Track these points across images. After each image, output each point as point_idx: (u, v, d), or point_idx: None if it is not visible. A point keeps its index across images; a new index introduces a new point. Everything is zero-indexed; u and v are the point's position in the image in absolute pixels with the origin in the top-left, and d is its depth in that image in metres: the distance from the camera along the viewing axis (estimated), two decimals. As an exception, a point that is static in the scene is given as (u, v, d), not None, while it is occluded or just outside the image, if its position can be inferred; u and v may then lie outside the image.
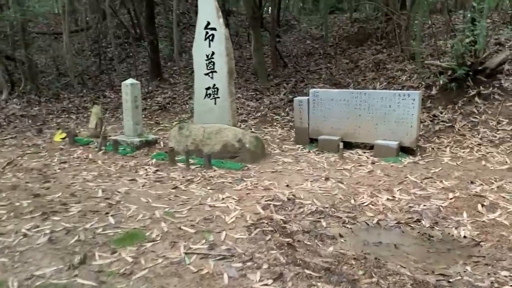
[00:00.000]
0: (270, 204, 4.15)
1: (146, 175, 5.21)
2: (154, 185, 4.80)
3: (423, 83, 7.86)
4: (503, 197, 4.22)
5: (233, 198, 4.31)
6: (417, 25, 9.20)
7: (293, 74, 10.70)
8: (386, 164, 5.40)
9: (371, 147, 6.00)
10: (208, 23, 5.71)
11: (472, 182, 4.66)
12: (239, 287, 2.76)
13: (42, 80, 12.68)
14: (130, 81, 6.62)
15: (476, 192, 4.38)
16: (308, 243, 3.45)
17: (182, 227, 3.62)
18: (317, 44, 12.66)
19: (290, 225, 3.74)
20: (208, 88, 5.89)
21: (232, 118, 5.87)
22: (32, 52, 12.14)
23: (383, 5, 11.04)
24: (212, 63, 5.79)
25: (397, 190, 4.50)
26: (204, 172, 5.24)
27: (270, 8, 15.35)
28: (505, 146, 5.77)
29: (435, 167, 5.21)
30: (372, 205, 4.19)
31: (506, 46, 8.12)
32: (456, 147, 5.92)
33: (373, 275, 2.89)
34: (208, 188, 4.66)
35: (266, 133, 7.45)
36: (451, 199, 4.25)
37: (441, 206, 4.11)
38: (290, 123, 7.95)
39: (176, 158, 5.71)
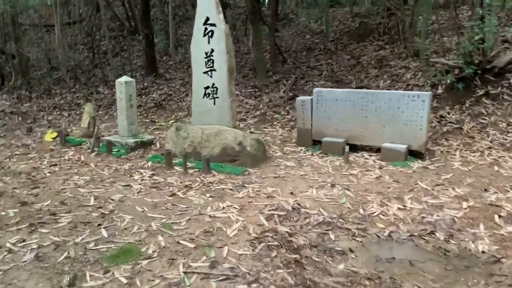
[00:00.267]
0: (274, 214, 3.89)
1: (142, 180, 4.93)
2: (150, 192, 4.51)
3: (429, 81, 7.60)
4: (521, 208, 3.99)
5: (234, 207, 4.04)
6: (421, 20, 8.93)
7: (292, 70, 10.41)
8: (394, 169, 5.15)
9: (378, 150, 5.74)
10: (208, 19, 5.39)
11: (486, 190, 4.42)
12: (245, 315, 2.50)
13: (33, 74, 12.33)
14: (124, 78, 6.30)
15: (491, 201, 4.15)
16: (317, 259, 3.20)
17: (180, 241, 3.35)
18: (317, 39, 12.35)
19: (296, 238, 3.48)
20: (207, 88, 5.59)
21: (232, 120, 5.59)
22: (23, 46, 11.76)
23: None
24: (211, 61, 5.48)
25: (408, 199, 4.25)
26: (203, 177, 4.96)
27: (268, 1, 15.04)
28: (517, 150, 5.54)
29: (446, 172, 4.97)
30: (383, 215, 3.94)
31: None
32: (465, 151, 5.67)
33: (391, 299, 2.65)
34: (208, 195, 4.38)
35: (267, 134, 7.17)
36: (465, 208, 4.01)
37: (455, 216, 3.87)
38: (291, 123, 7.68)
39: (173, 161, 5.43)
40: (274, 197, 4.31)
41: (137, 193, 4.48)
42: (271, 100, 8.98)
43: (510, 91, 6.61)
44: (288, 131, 7.30)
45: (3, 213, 3.90)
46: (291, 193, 4.42)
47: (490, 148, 5.66)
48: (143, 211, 3.96)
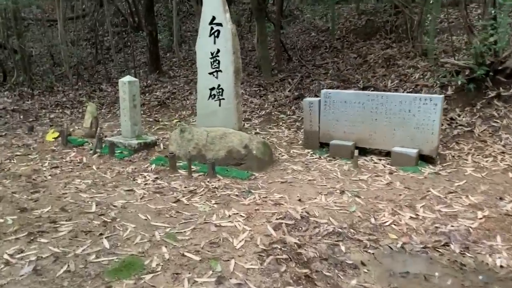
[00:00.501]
0: (282, 223, 3.74)
1: (145, 184, 4.78)
2: (153, 198, 4.37)
3: (438, 82, 7.42)
4: (539, 218, 3.83)
5: (241, 215, 3.90)
6: (430, 19, 8.73)
7: (298, 69, 10.23)
8: (405, 175, 4.99)
9: (387, 154, 5.58)
10: (214, 18, 5.23)
11: (501, 199, 4.27)
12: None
13: (36, 70, 12.17)
14: (127, 78, 6.14)
15: (507, 210, 3.99)
16: (328, 273, 3.06)
17: (185, 253, 3.21)
18: (323, 37, 12.15)
19: (305, 250, 3.34)
20: (212, 89, 5.44)
21: (238, 122, 5.43)
22: (25, 41, 11.60)
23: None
24: (217, 62, 5.32)
25: (420, 207, 4.10)
26: (208, 181, 4.81)
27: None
28: (531, 156, 5.37)
29: (459, 179, 4.80)
30: (395, 224, 3.80)
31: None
32: (478, 155, 5.50)
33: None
34: (213, 202, 4.23)
35: (272, 135, 7.01)
36: (480, 218, 3.86)
37: (471, 227, 3.72)
38: (297, 123, 7.52)
39: (177, 164, 5.28)
40: (282, 204, 4.16)
41: (140, 198, 4.33)
42: (276, 99, 8.82)
43: (523, 93, 6.43)
44: (294, 132, 7.14)
45: (1, 220, 3.76)
46: (299, 200, 4.27)
47: (503, 153, 5.49)
48: (146, 219, 3.82)
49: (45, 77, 11.50)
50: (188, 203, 4.22)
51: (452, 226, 3.74)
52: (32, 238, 3.43)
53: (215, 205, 4.15)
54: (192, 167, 5.09)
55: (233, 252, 3.26)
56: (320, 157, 5.79)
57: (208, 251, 3.26)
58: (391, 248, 3.45)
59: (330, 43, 11.38)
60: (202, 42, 5.43)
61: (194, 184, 4.76)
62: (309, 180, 4.87)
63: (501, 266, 3.17)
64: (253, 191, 4.51)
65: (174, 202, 4.23)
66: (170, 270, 3.00)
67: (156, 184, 4.78)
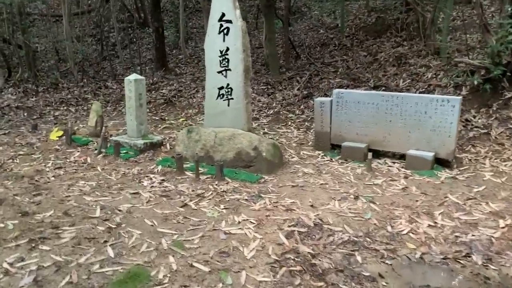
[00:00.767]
0: (295, 230, 3.57)
1: (151, 186, 4.62)
2: (160, 202, 4.20)
3: (452, 82, 7.20)
4: None
5: (251, 222, 3.72)
6: (443, 16, 8.49)
7: (306, 67, 10.03)
8: (421, 179, 4.79)
9: (401, 157, 5.39)
10: (223, 15, 5.04)
11: (523, 206, 4.07)
12: None
13: (40, 66, 12.03)
14: (133, 76, 5.97)
15: (531, 219, 3.80)
16: (344, 287, 2.89)
17: (193, 264, 3.04)
18: (332, 34, 11.93)
19: (320, 260, 3.17)
20: (221, 88, 5.26)
21: (247, 122, 5.26)
22: (30, 37, 11.47)
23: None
24: (226, 60, 5.14)
25: (439, 214, 3.91)
26: (216, 184, 4.64)
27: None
28: (551, 160, 5.17)
29: (478, 184, 4.61)
30: (412, 233, 3.61)
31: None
32: (495, 159, 5.30)
33: None
34: (222, 206, 4.06)
35: (281, 135, 6.83)
36: (502, 227, 3.67)
37: (492, 236, 3.53)
38: (306, 123, 7.33)
39: (184, 165, 5.12)
40: (294, 210, 3.99)
41: (146, 202, 4.17)
42: (285, 98, 8.63)
43: (541, 94, 6.21)
44: (304, 132, 6.95)
45: (1, 225, 3.60)
46: (312, 205, 4.09)
47: (522, 156, 5.29)
48: (152, 225, 3.66)
49: (50, 73, 11.37)
50: (196, 207, 4.06)
51: (473, 235, 3.55)
52: (33, 245, 3.28)
53: (224, 210, 3.98)
54: (199, 168, 4.92)
55: (244, 262, 3.09)
56: (331, 159, 5.60)
57: (218, 261, 3.09)
58: (410, 259, 3.26)
59: (339, 41, 11.16)
60: (210, 39, 5.25)
61: (202, 187, 4.59)
62: (321, 184, 4.69)
63: (528, 281, 2.98)
64: (263, 195, 4.34)
65: (181, 207, 4.07)
66: (178, 282, 2.84)
67: (163, 186, 4.62)
